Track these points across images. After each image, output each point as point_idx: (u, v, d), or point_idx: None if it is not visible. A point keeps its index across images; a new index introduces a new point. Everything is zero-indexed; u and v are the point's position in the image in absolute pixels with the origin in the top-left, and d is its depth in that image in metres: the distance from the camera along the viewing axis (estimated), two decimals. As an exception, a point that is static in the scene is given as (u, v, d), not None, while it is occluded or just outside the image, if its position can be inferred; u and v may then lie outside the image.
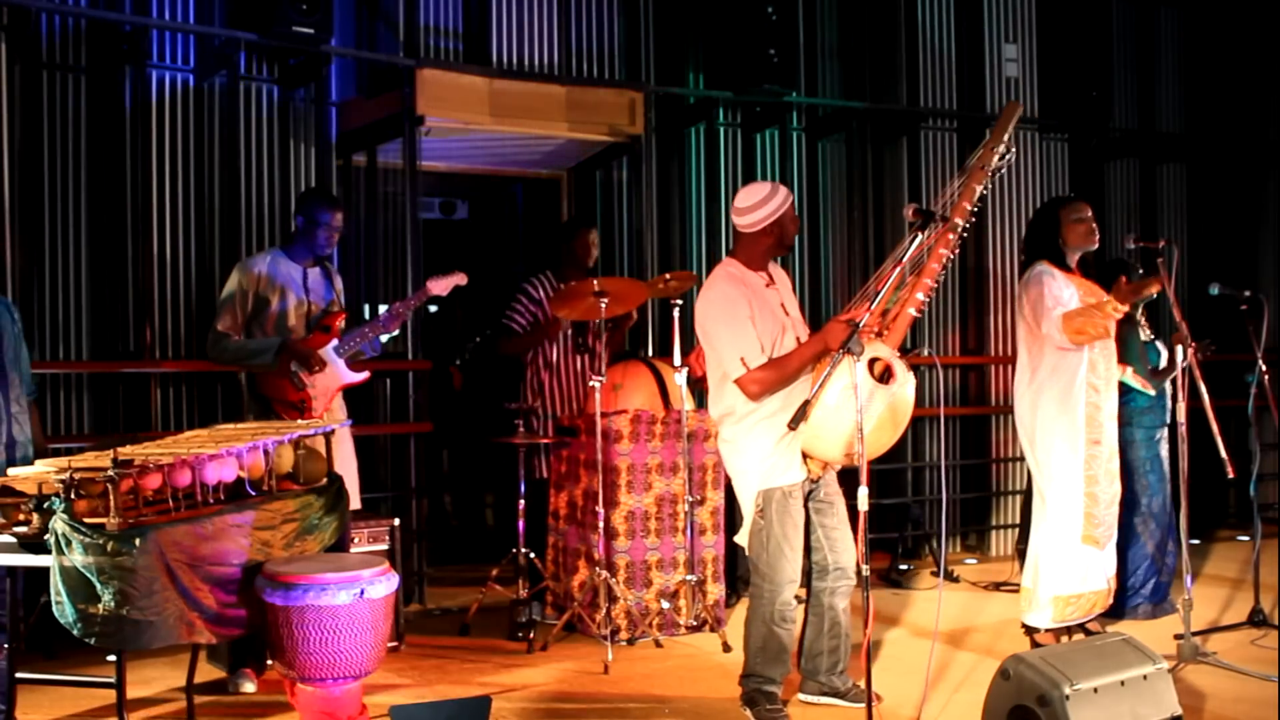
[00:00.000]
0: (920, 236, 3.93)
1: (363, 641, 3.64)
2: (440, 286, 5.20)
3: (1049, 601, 4.84)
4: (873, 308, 3.98)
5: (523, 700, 4.50)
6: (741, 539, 4.30)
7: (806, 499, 4.26)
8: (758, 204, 4.25)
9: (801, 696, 4.42)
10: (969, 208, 4.30)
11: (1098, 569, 4.87)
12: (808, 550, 4.31)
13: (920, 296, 4.17)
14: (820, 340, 4.10)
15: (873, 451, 4.01)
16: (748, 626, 4.28)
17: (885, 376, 4.09)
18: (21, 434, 4.11)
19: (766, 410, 4.17)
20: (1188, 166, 9.00)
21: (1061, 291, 4.81)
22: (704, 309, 4.26)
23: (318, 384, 4.89)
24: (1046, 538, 4.86)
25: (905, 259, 3.98)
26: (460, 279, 5.24)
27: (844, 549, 4.33)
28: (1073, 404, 4.82)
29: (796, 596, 4.24)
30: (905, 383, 4.11)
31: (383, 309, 5.91)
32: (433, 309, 8.52)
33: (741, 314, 4.17)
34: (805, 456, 4.19)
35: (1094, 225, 4.95)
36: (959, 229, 4.27)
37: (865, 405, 3.83)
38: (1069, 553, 4.82)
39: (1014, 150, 4.38)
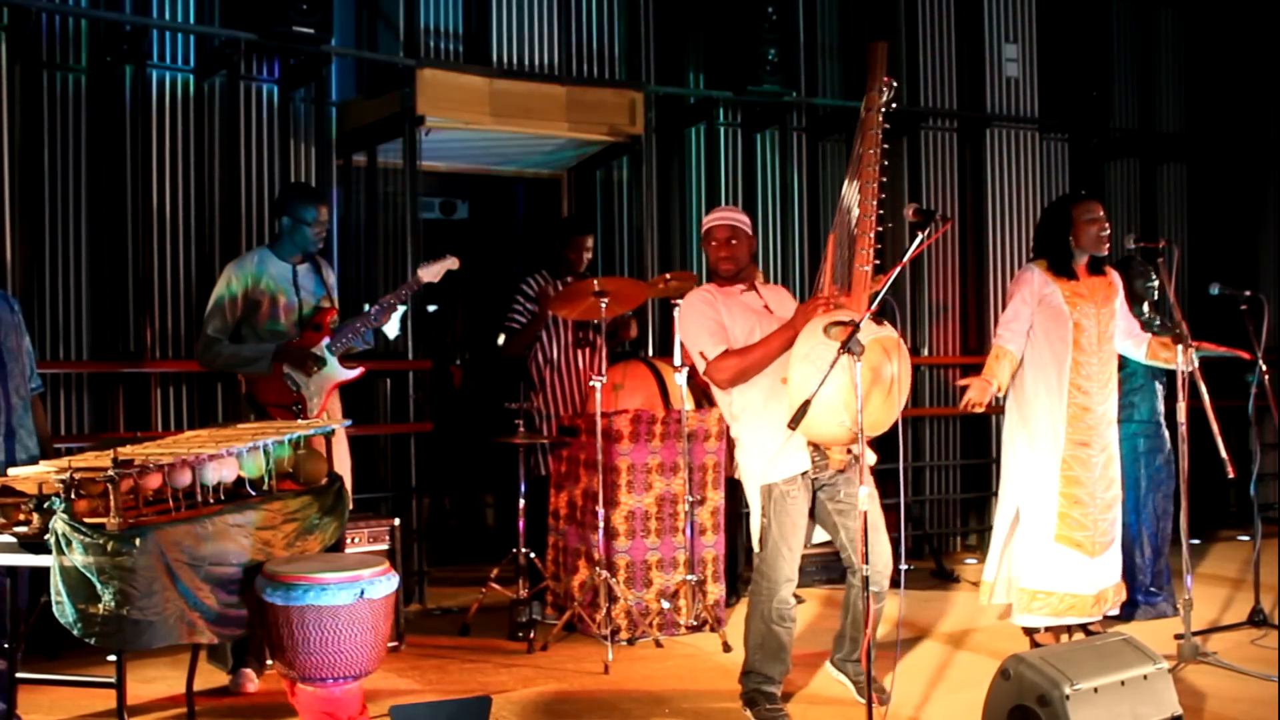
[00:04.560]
0: (921, 236, 3.91)
1: (363, 641, 3.63)
2: (431, 273, 5.02)
3: (1008, 591, 4.89)
4: (873, 308, 3.96)
5: (523, 700, 4.50)
6: (755, 539, 4.29)
7: (825, 498, 4.24)
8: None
9: (826, 666, 4.56)
10: (875, 153, 4.10)
11: (1082, 574, 4.83)
12: (836, 547, 4.36)
13: (866, 251, 4.04)
14: (789, 325, 4.10)
15: (873, 427, 3.91)
16: (748, 622, 4.30)
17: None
18: (22, 426, 4.05)
19: (757, 406, 4.20)
20: (1188, 166, 9.00)
21: (1036, 295, 4.85)
22: (678, 326, 4.36)
23: (311, 384, 4.85)
24: (1002, 527, 4.94)
25: (906, 259, 3.97)
26: (452, 263, 5.06)
27: (871, 553, 3.94)
28: (1050, 401, 4.83)
29: (797, 596, 4.25)
30: (874, 333, 3.86)
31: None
32: (432, 308, 8.51)
33: (703, 315, 4.27)
34: (818, 448, 4.15)
35: (1106, 225, 4.94)
36: (877, 178, 4.10)
37: (830, 372, 3.68)
38: (1037, 548, 4.83)
39: (896, 85, 4.22)
